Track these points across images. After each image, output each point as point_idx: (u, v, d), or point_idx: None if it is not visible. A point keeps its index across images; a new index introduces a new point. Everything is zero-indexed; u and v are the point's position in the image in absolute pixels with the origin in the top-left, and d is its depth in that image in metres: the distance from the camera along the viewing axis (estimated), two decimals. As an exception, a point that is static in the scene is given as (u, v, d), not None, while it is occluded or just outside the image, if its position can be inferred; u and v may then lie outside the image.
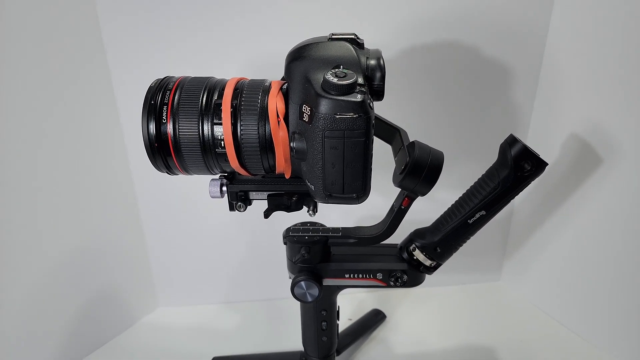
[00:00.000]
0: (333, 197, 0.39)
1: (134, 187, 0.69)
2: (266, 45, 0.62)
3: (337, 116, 0.35)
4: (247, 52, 0.63)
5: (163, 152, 0.40)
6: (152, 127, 0.39)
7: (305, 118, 0.37)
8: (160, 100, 0.39)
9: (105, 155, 0.65)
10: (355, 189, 0.38)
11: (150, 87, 0.40)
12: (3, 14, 0.51)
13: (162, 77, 0.42)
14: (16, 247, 0.57)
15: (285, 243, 0.51)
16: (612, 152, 0.59)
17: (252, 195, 0.45)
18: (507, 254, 0.82)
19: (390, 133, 0.51)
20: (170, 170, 0.43)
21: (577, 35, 0.62)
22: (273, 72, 0.57)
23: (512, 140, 0.44)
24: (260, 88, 0.40)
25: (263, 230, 0.74)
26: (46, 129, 0.58)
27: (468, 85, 0.67)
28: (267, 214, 0.45)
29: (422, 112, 0.68)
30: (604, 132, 0.60)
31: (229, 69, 0.63)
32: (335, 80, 0.35)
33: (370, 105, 0.35)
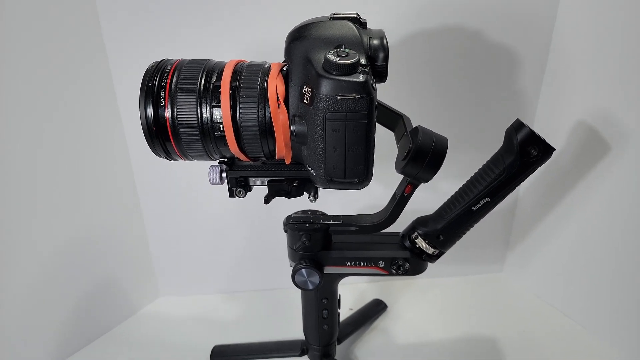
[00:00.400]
0: (334, 181, 0.38)
1: (133, 176, 0.69)
2: (266, 30, 0.61)
3: (339, 97, 0.34)
4: (247, 36, 0.61)
5: (161, 137, 0.39)
6: (150, 111, 0.38)
7: (306, 100, 0.36)
8: (158, 83, 0.38)
9: (105, 144, 0.64)
10: (357, 173, 0.37)
11: (147, 70, 0.40)
12: (4, 15, 0.51)
13: (160, 60, 0.41)
14: (16, 237, 0.56)
15: (285, 231, 0.50)
16: (620, 140, 0.58)
17: (252, 181, 0.44)
18: (510, 245, 0.81)
19: (393, 119, 0.50)
20: (169, 155, 0.42)
21: (585, 21, 0.61)
22: (273, 56, 0.56)
23: (518, 125, 0.43)
24: (260, 70, 0.39)
25: (263, 219, 0.73)
26: (45, 120, 0.57)
27: (473, 72, 0.66)
28: (267, 200, 0.44)
29: (425, 99, 0.67)
30: (612, 120, 0.59)
31: (229, 56, 0.62)
32: (337, 59, 0.33)
33: (373, 86, 0.34)
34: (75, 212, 0.63)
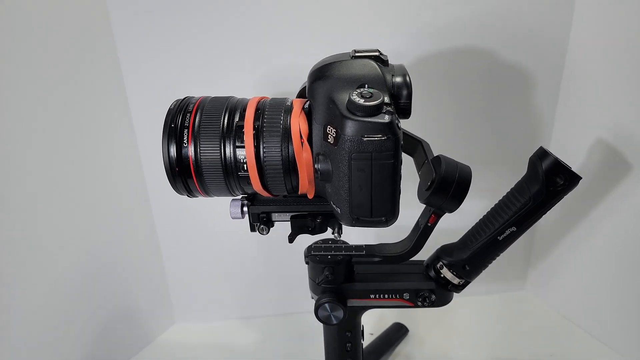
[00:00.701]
0: (360, 220, 0.37)
1: (150, 204, 0.69)
2: (284, 57, 0.61)
3: (365, 138, 0.33)
4: (265, 64, 0.62)
5: (184, 176, 0.39)
6: (173, 151, 0.38)
7: (330, 140, 0.35)
8: (181, 123, 0.39)
9: (122, 172, 0.65)
10: (384, 212, 0.36)
11: (169, 110, 0.40)
12: (21, 35, 0.51)
13: (182, 98, 0.41)
14: (31, 264, 0.56)
15: (307, 262, 0.49)
16: (642, 158, 0.57)
17: (275, 217, 0.43)
18: (531, 262, 0.80)
19: (412, 145, 0.50)
20: (190, 193, 0.42)
21: (600, 39, 0.60)
22: (292, 85, 0.56)
23: (542, 153, 0.42)
24: (282, 108, 0.39)
25: (280, 244, 0.72)
26: (62, 146, 0.57)
27: (488, 92, 0.66)
28: (291, 239, 0.43)
29: (440, 120, 0.67)
30: (632, 137, 0.58)
31: (245, 80, 0.62)
32: (361, 101, 0.33)
33: (398, 126, 0.34)
34: (91, 240, 0.63)
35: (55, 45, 0.55)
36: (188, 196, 0.43)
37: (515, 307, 0.79)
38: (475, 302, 0.79)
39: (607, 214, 0.64)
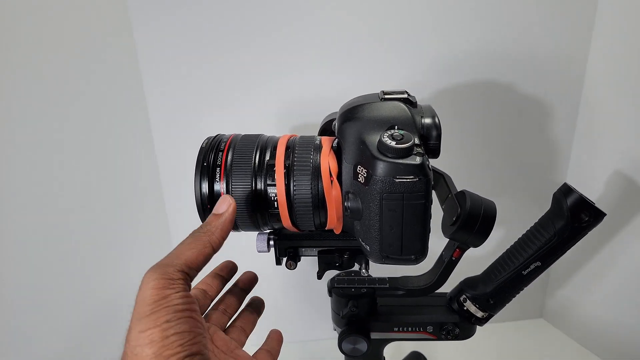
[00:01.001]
0: (390, 258, 0.38)
1: (170, 236, 0.69)
2: (304, 92, 0.62)
3: (397, 180, 0.34)
4: (286, 98, 0.63)
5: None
6: (205, 188, 0.39)
7: (361, 179, 0.36)
8: (213, 161, 0.39)
9: (145, 215, 0.66)
10: (414, 250, 0.37)
11: (202, 148, 0.41)
12: (59, 80, 0.53)
13: (213, 136, 0.42)
14: (39, 311, 0.56)
15: (330, 295, 0.50)
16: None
17: (302, 251, 0.44)
18: (549, 290, 0.79)
19: (435, 178, 0.50)
20: None
21: (616, 70, 0.61)
22: (314, 118, 0.57)
23: (567, 190, 0.43)
24: (312, 146, 0.40)
25: (301, 274, 0.73)
26: (87, 191, 0.59)
27: (505, 124, 0.66)
28: (320, 275, 0.44)
29: (459, 152, 0.67)
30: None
31: (268, 114, 0.64)
32: (392, 143, 0.34)
33: (428, 167, 0.34)
34: (101, 283, 0.63)
35: (86, 91, 0.56)
36: None
37: (532, 335, 0.78)
38: (492, 330, 0.78)
39: (625, 244, 0.64)
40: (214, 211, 0.35)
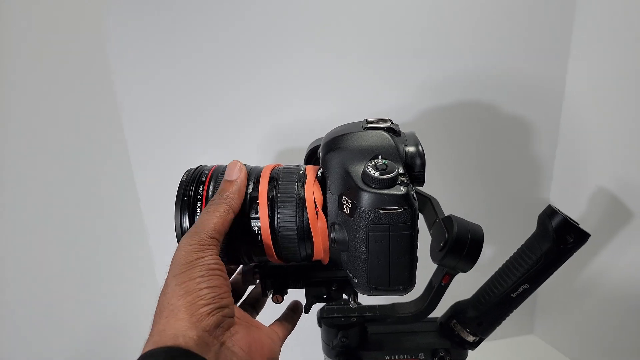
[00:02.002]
0: (378, 289, 0.37)
1: (156, 275, 0.68)
2: (291, 113, 0.62)
3: (382, 211, 0.33)
4: (272, 118, 0.63)
5: None
6: (186, 222, 0.38)
7: (346, 210, 0.35)
8: (194, 195, 0.39)
9: (128, 241, 0.64)
10: (402, 281, 0.36)
11: (182, 181, 0.40)
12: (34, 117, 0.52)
13: (194, 168, 0.41)
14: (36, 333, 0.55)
15: (320, 325, 0.49)
16: (643, 206, 0.58)
17: (289, 284, 0.43)
18: (538, 306, 0.80)
19: (421, 202, 0.50)
20: None
21: (596, 88, 0.62)
22: (299, 142, 0.56)
23: (551, 212, 0.43)
24: (296, 176, 0.39)
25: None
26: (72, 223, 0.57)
27: (488, 143, 0.67)
28: (307, 309, 0.43)
29: (442, 173, 0.67)
30: (632, 185, 0.59)
31: (253, 140, 0.63)
32: (376, 173, 0.34)
33: (413, 197, 0.34)
34: (96, 308, 0.61)
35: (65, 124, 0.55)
36: None
37: (524, 352, 0.77)
38: (484, 348, 0.77)
39: (612, 259, 0.64)
40: (225, 177, 0.37)
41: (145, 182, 0.63)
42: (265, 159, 0.63)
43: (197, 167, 0.41)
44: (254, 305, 0.45)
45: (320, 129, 0.44)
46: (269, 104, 0.62)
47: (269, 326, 0.40)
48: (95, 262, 0.61)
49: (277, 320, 0.42)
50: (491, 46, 0.63)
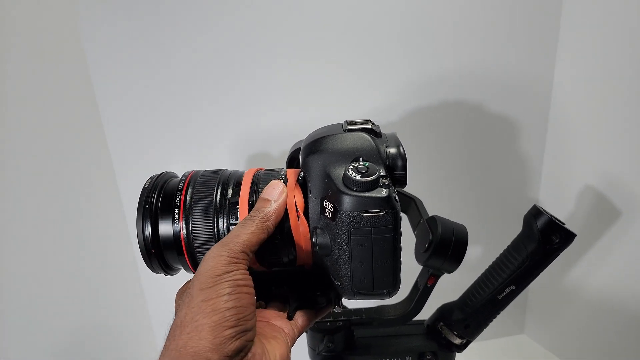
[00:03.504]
0: (362, 294, 0.36)
1: (139, 274, 0.66)
2: (276, 113, 0.61)
3: (363, 214, 0.33)
4: (255, 122, 0.62)
5: (169, 254, 0.38)
6: (148, 231, 0.37)
7: (328, 214, 0.35)
8: (156, 203, 0.38)
9: (112, 244, 0.63)
10: (386, 285, 0.36)
11: (144, 189, 0.38)
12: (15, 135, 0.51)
13: (157, 175, 0.40)
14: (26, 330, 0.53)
15: (305, 331, 0.48)
16: (631, 204, 0.58)
17: (272, 290, 0.42)
18: (529, 306, 0.79)
19: (405, 203, 0.50)
20: (170, 270, 0.40)
21: (583, 87, 0.62)
22: (281, 145, 0.56)
23: (536, 212, 0.43)
24: None
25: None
26: (54, 226, 0.56)
27: (475, 144, 0.67)
28: (291, 315, 0.42)
29: (429, 173, 0.67)
30: (620, 184, 0.59)
31: (231, 142, 0.62)
32: (357, 176, 0.33)
33: (395, 199, 0.34)
34: (82, 312, 0.60)
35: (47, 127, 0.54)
36: (165, 274, 0.41)
37: (514, 352, 0.77)
38: (474, 348, 0.77)
39: (599, 258, 0.64)
40: (265, 196, 0.35)
41: (127, 183, 0.62)
42: (249, 163, 0.63)
43: (161, 174, 0.40)
44: None
45: (303, 132, 0.43)
46: (251, 108, 0.61)
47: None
48: (78, 263, 0.59)
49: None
50: (478, 45, 0.62)
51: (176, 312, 0.30)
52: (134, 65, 0.57)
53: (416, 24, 0.60)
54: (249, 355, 0.30)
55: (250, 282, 0.31)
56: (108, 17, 0.55)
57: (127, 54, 0.57)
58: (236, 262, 0.31)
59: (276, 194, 0.35)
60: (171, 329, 0.29)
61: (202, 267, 0.30)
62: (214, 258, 0.30)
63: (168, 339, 0.29)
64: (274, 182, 0.36)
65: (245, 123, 0.61)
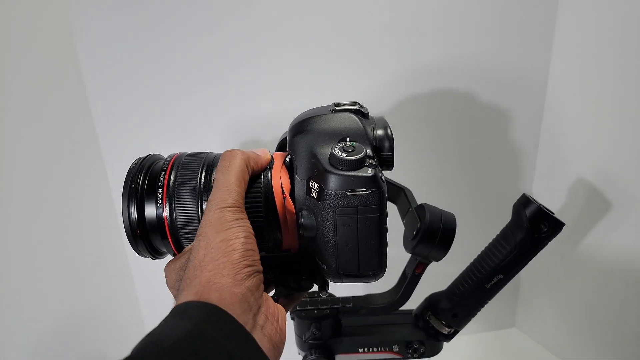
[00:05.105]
0: (348, 276, 0.36)
1: (129, 262, 0.66)
2: (264, 104, 0.61)
3: (349, 193, 0.32)
4: (243, 111, 0.61)
5: (154, 237, 0.37)
6: (134, 211, 0.37)
7: (314, 194, 0.34)
8: (149, 183, 0.37)
9: (100, 230, 0.62)
10: (372, 267, 0.35)
11: (130, 169, 0.38)
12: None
13: (144, 156, 0.40)
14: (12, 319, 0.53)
15: (292, 318, 0.47)
16: (622, 197, 0.58)
17: (258, 274, 0.41)
18: (519, 299, 0.79)
19: (395, 192, 0.50)
20: (157, 254, 0.40)
21: (578, 79, 0.62)
22: (271, 133, 0.55)
23: (525, 201, 0.42)
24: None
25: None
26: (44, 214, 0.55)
27: (469, 134, 0.67)
28: (276, 299, 0.41)
29: (421, 165, 0.67)
30: (612, 177, 0.59)
31: (222, 132, 0.62)
32: (343, 155, 0.33)
33: (382, 179, 0.33)
34: (71, 301, 0.59)
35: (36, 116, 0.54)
36: (152, 258, 0.41)
37: (506, 346, 0.77)
38: (465, 342, 0.77)
39: (590, 251, 0.64)
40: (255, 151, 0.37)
41: (116, 172, 0.61)
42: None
43: (147, 156, 0.40)
44: None
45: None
46: (242, 97, 0.61)
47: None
48: (66, 249, 0.59)
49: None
50: (473, 36, 0.62)
51: (191, 253, 0.31)
52: (124, 54, 0.57)
53: (410, 15, 0.60)
54: (263, 296, 0.32)
55: (253, 232, 0.33)
56: (98, 5, 0.54)
57: (118, 42, 0.56)
58: (242, 211, 0.32)
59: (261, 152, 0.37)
60: (188, 270, 0.30)
61: (210, 215, 0.31)
62: (223, 209, 0.31)
63: (186, 279, 0.30)
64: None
65: (235, 112, 0.61)
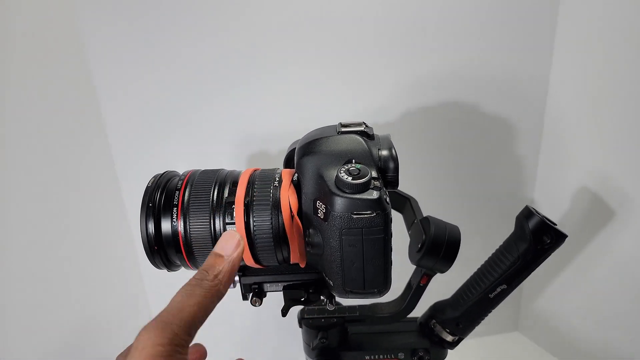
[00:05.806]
0: (353, 292, 0.37)
1: (140, 270, 0.67)
2: (274, 113, 0.62)
3: (354, 215, 0.34)
4: (253, 122, 0.62)
5: (173, 250, 0.39)
6: (151, 229, 0.38)
7: (320, 215, 0.35)
8: (165, 201, 0.39)
9: (113, 241, 0.64)
10: (377, 284, 0.36)
11: (147, 188, 0.39)
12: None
13: (161, 173, 0.41)
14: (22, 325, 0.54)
15: (300, 326, 0.49)
16: (624, 204, 0.59)
17: (267, 287, 0.43)
18: (522, 303, 0.80)
19: (401, 202, 0.50)
20: (172, 267, 0.41)
21: (579, 87, 0.62)
22: (275, 145, 0.56)
23: (528, 213, 0.43)
24: (272, 180, 0.39)
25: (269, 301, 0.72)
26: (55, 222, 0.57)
27: (470, 143, 0.67)
28: (284, 312, 0.43)
29: (424, 173, 0.67)
30: (614, 184, 0.59)
31: (230, 142, 0.63)
32: (349, 178, 0.34)
33: (386, 201, 0.34)
34: (81, 309, 0.61)
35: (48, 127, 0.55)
36: (168, 270, 0.42)
37: (508, 349, 0.78)
38: (468, 346, 0.78)
39: (592, 256, 0.65)
40: (217, 250, 0.30)
41: (128, 183, 0.63)
42: (249, 162, 0.63)
43: (164, 173, 0.41)
44: None
45: (301, 131, 0.44)
46: (250, 108, 0.61)
47: None
48: (79, 261, 0.60)
49: None
50: (473, 45, 0.62)
51: None
52: (134, 67, 0.58)
53: (411, 25, 0.60)
54: None
55: None
56: (108, 16, 0.55)
57: (129, 55, 0.57)
58: (178, 353, 0.25)
59: (230, 247, 0.31)
60: None
61: (136, 354, 0.24)
62: (150, 349, 0.24)
63: None
64: (228, 232, 0.32)
65: (244, 123, 0.62)
